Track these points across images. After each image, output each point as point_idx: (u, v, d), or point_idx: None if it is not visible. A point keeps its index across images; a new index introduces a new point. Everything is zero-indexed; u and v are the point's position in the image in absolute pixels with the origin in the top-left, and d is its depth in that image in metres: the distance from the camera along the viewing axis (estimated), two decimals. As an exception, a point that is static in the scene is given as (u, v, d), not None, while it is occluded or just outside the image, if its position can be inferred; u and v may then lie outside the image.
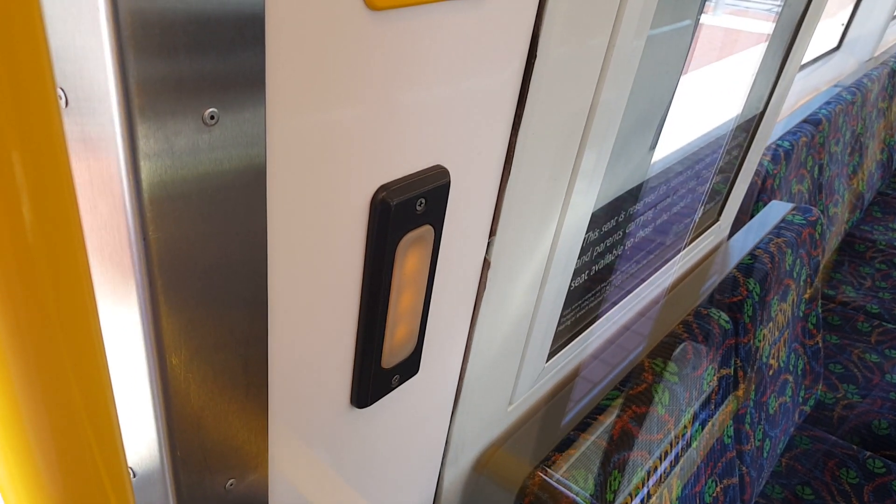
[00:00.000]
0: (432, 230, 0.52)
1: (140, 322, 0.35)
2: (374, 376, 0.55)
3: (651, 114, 0.81)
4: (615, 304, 1.02)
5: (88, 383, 0.25)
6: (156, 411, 0.39)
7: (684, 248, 1.21)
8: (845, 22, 2.68)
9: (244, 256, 0.38)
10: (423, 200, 0.49)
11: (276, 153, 0.38)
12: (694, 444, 1.10)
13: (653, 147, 0.87)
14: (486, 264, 0.63)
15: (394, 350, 0.55)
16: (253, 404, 0.44)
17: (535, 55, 0.53)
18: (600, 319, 1.00)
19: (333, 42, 0.38)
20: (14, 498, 0.26)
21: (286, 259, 0.43)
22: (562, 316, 0.86)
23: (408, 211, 0.48)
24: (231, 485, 0.46)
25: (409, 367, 0.59)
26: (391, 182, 0.47)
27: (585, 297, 0.91)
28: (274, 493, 0.52)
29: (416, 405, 0.66)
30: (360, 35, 0.39)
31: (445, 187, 0.51)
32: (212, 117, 0.32)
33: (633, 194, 0.89)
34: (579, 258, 0.82)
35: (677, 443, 1.05)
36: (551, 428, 0.95)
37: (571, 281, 0.83)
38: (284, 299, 0.44)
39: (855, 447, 1.61)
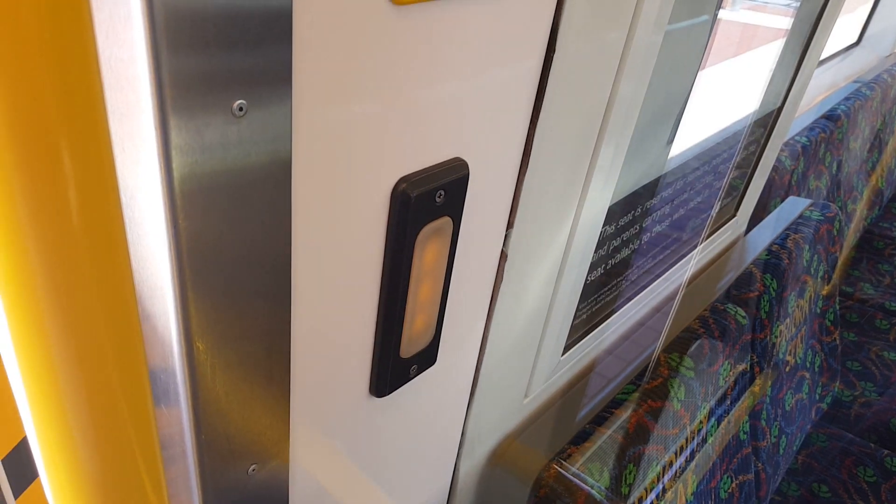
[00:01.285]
0: (451, 222, 0.52)
1: (169, 307, 0.36)
2: (392, 366, 0.56)
3: (668, 109, 0.81)
4: (631, 298, 1.02)
5: (126, 364, 0.26)
6: (182, 395, 0.40)
7: (701, 244, 1.20)
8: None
9: (269, 247, 0.39)
10: (443, 192, 0.49)
11: (301, 146, 0.39)
12: (710, 440, 1.10)
13: (670, 142, 0.87)
14: (503, 256, 0.64)
15: (412, 340, 0.56)
16: (275, 391, 0.45)
17: (554, 49, 0.53)
18: (616, 314, 1.00)
19: (358, 37, 0.38)
20: (56, 475, 0.27)
21: (309, 250, 0.43)
22: (578, 310, 0.86)
23: (427, 202, 0.49)
24: (253, 470, 0.47)
25: (427, 357, 0.59)
26: (411, 174, 0.47)
27: (602, 291, 0.92)
28: (294, 479, 0.53)
29: (433, 396, 0.66)
30: (384, 30, 0.39)
31: (464, 179, 0.51)
32: (240, 109, 0.33)
33: (650, 189, 0.89)
34: (596, 252, 0.82)
35: (693, 438, 1.05)
36: (567, 421, 0.95)
37: (588, 275, 0.83)
38: (307, 289, 0.45)
39: (872, 445, 1.59)
